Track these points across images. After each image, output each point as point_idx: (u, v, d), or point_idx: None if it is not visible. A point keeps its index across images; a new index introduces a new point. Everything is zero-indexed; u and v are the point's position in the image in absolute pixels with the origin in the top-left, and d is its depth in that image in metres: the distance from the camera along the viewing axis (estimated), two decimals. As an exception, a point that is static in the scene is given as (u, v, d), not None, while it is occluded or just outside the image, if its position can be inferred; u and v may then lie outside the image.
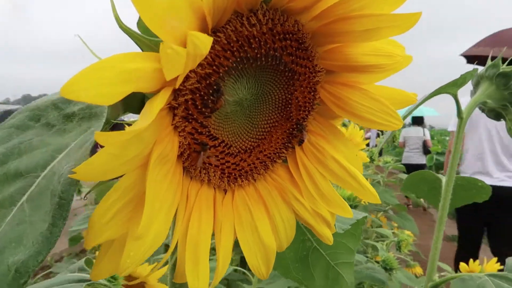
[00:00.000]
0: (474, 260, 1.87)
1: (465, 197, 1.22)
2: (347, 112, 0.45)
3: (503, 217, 2.95)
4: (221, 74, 0.36)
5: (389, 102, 0.44)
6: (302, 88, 0.44)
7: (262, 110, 0.45)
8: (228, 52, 0.36)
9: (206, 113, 0.37)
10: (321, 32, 0.40)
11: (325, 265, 0.66)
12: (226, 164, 0.43)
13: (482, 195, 1.23)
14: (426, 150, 7.26)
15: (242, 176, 0.45)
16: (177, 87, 0.31)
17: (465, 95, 1.02)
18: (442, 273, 2.15)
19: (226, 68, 0.36)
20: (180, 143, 0.37)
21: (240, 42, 0.36)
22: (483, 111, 1.01)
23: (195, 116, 0.37)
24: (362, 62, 0.42)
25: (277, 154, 0.47)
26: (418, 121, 7.53)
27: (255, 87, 0.42)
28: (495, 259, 1.94)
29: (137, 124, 0.28)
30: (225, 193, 0.45)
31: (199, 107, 0.36)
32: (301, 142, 0.47)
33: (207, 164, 0.41)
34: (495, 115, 0.99)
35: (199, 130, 0.38)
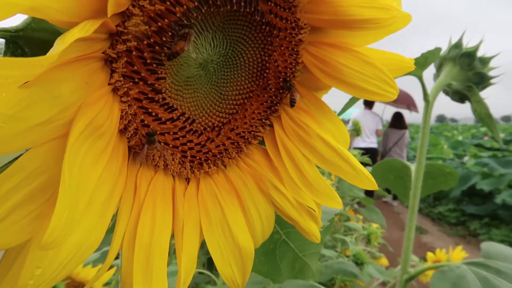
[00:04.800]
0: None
1: (432, 185, 1.15)
2: (336, 80, 0.37)
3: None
4: (178, 17, 0.27)
5: (384, 68, 0.37)
6: (282, 49, 0.36)
7: (232, 76, 0.35)
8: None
9: (159, 71, 0.27)
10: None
11: (292, 257, 0.60)
12: (188, 144, 0.33)
13: (449, 182, 1.18)
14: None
15: (209, 161, 0.35)
16: (108, 16, 0.21)
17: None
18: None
19: (185, 8, 0.26)
20: (122, 112, 0.27)
21: None
22: (447, 94, 0.97)
23: (142, 75, 0.27)
24: (354, 16, 0.34)
25: (252, 133, 0.38)
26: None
27: (223, 44, 0.33)
28: (460, 247, 1.98)
29: (43, 60, 0.18)
30: (188, 182, 0.35)
31: (149, 61, 0.26)
32: (293, 103, 0.37)
33: (162, 144, 0.31)
34: (460, 97, 0.95)
35: (150, 96, 0.28)
